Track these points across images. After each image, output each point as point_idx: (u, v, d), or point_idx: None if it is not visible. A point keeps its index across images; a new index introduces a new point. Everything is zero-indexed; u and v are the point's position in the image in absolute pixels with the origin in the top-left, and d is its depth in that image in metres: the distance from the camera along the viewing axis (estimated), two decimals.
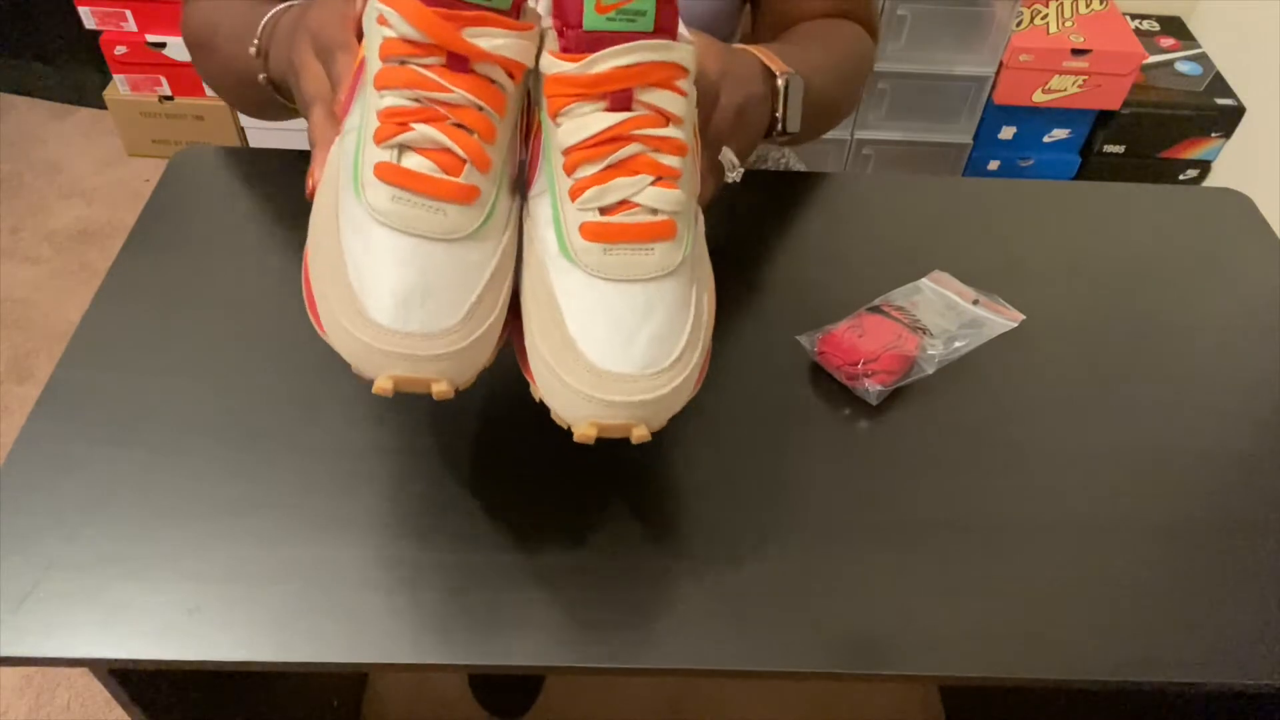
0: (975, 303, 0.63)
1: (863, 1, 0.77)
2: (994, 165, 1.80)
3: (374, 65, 0.42)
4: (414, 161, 0.41)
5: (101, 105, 1.90)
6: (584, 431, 0.41)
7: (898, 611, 0.48)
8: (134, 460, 0.53)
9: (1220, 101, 1.72)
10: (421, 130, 0.41)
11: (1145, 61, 1.68)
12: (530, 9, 0.44)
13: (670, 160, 0.43)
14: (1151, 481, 0.55)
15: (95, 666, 0.51)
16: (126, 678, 0.56)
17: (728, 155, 0.54)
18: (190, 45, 0.70)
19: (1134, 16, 1.87)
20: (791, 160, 0.91)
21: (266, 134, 1.83)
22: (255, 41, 0.59)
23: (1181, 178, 1.82)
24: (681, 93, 0.43)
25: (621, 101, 0.42)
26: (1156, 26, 1.87)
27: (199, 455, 0.53)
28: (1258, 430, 0.59)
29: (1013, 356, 0.62)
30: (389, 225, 0.41)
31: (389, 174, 0.41)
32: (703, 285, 0.46)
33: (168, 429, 0.54)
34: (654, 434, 0.42)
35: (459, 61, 0.41)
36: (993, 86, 1.69)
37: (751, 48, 0.61)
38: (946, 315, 0.62)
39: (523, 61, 0.42)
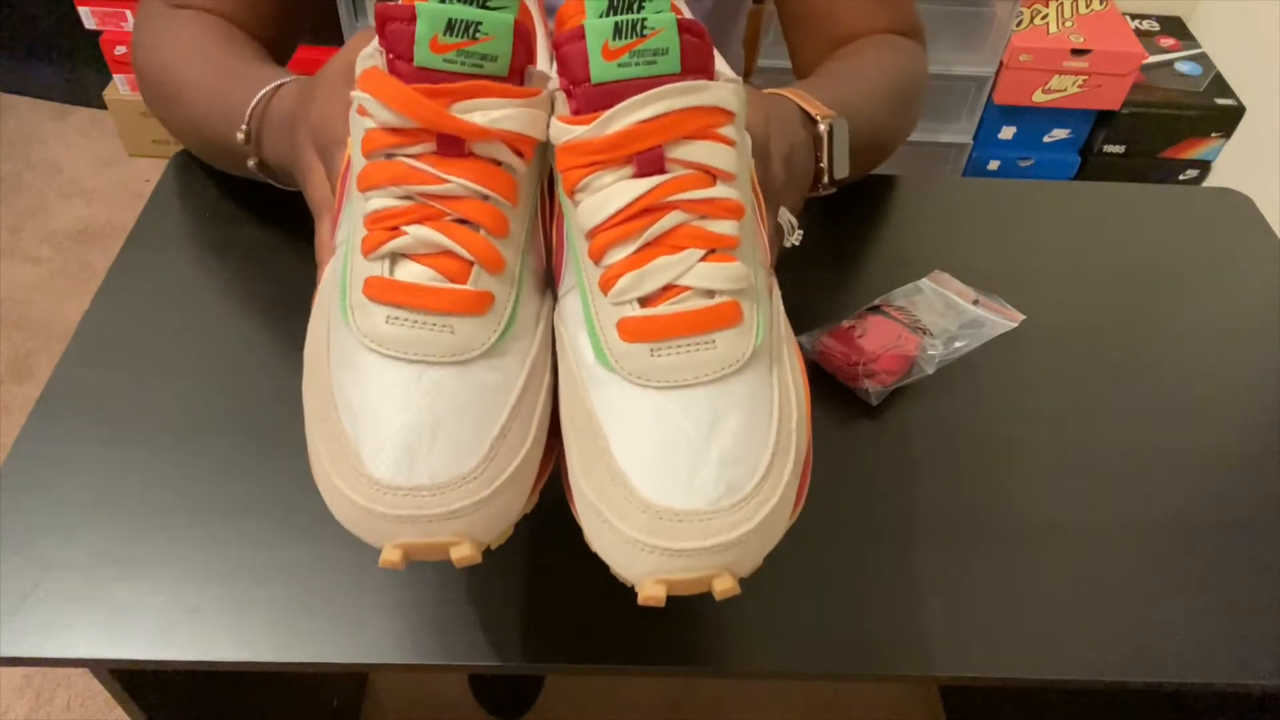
0: (975, 303, 0.63)
1: (907, 9, 0.70)
2: (994, 165, 1.80)
3: (358, 164, 0.36)
4: (410, 271, 0.34)
5: (101, 105, 1.90)
6: (650, 593, 0.32)
7: (898, 611, 0.48)
8: (134, 460, 0.53)
9: (1220, 101, 1.72)
10: (415, 232, 0.34)
11: (1145, 61, 1.68)
12: (537, 72, 0.37)
13: (723, 226, 0.35)
14: (1151, 481, 0.55)
15: (95, 667, 0.51)
16: (126, 678, 0.56)
17: (785, 215, 0.45)
18: (145, 87, 0.63)
19: (1134, 16, 1.87)
20: None
21: None
22: (244, 126, 0.54)
23: (1181, 178, 1.82)
24: (728, 141, 0.35)
25: (652, 164, 0.34)
26: (1156, 26, 1.87)
27: (199, 455, 0.53)
28: (1258, 430, 0.59)
29: (1013, 356, 0.62)
30: (385, 352, 0.34)
31: (380, 290, 0.34)
32: (790, 381, 0.37)
33: (168, 429, 0.54)
34: (745, 581, 0.34)
35: (453, 145, 0.34)
36: (993, 86, 1.69)
37: (785, 91, 0.55)
38: (946, 315, 0.62)
39: (531, 135, 0.35)
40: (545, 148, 0.37)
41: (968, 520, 0.53)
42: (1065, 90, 1.68)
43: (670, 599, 0.33)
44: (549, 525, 0.51)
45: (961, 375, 0.60)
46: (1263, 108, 1.69)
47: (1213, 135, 1.74)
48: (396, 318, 0.34)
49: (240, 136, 0.54)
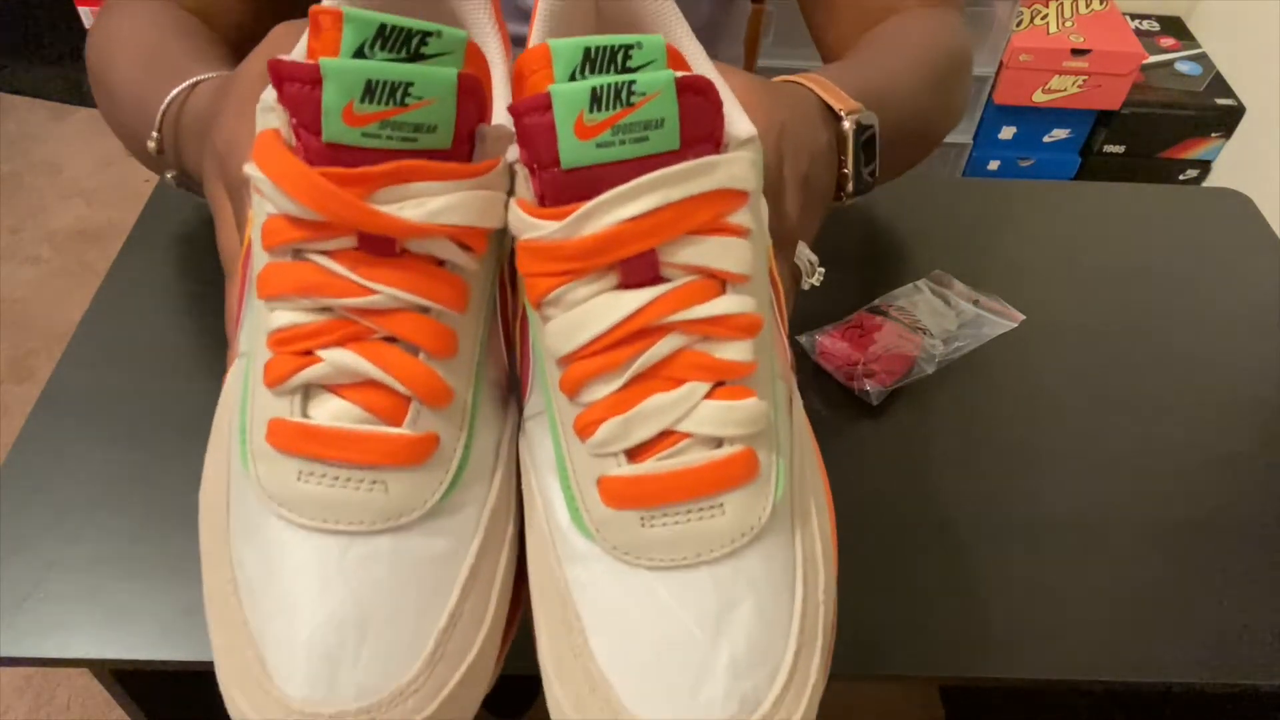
0: (975, 303, 0.63)
1: None
2: (994, 165, 1.80)
3: (258, 259, 0.27)
4: (327, 410, 0.26)
5: None
6: None
7: (898, 611, 0.48)
8: (134, 460, 0.52)
9: (1220, 101, 1.72)
10: (333, 358, 0.26)
11: (1145, 61, 1.68)
12: (490, 130, 0.28)
13: (734, 350, 0.27)
14: (1152, 481, 0.55)
15: (95, 667, 0.51)
16: (127, 678, 0.56)
17: (804, 254, 0.38)
18: (90, 77, 0.56)
19: (1134, 16, 1.87)
20: None
21: None
22: (154, 134, 0.45)
23: (1181, 178, 1.82)
24: (742, 231, 0.27)
25: (643, 272, 0.26)
26: (1156, 26, 1.87)
27: (199, 456, 0.53)
28: (1258, 430, 0.59)
29: (1013, 356, 0.61)
30: (297, 520, 0.26)
31: (289, 437, 0.26)
32: (814, 521, 0.29)
33: (168, 429, 0.54)
34: None
35: (380, 243, 0.26)
36: (993, 86, 1.69)
37: (805, 79, 0.44)
38: (946, 315, 0.62)
39: (484, 225, 0.27)
40: (503, 232, 0.29)
41: (968, 520, 0.53)
42: (1065, 90, 1.68)
43: None
44: None
45: (961, 375, 0.60)
46: (1263, 108, 1.69)
47: (1213, 135, 1.74)
48: (311, 473, 0.26)
49: (152, 145, 0.44)
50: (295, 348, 0.26)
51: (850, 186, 0.44)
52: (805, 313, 0.62)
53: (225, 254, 0.35)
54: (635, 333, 0.26)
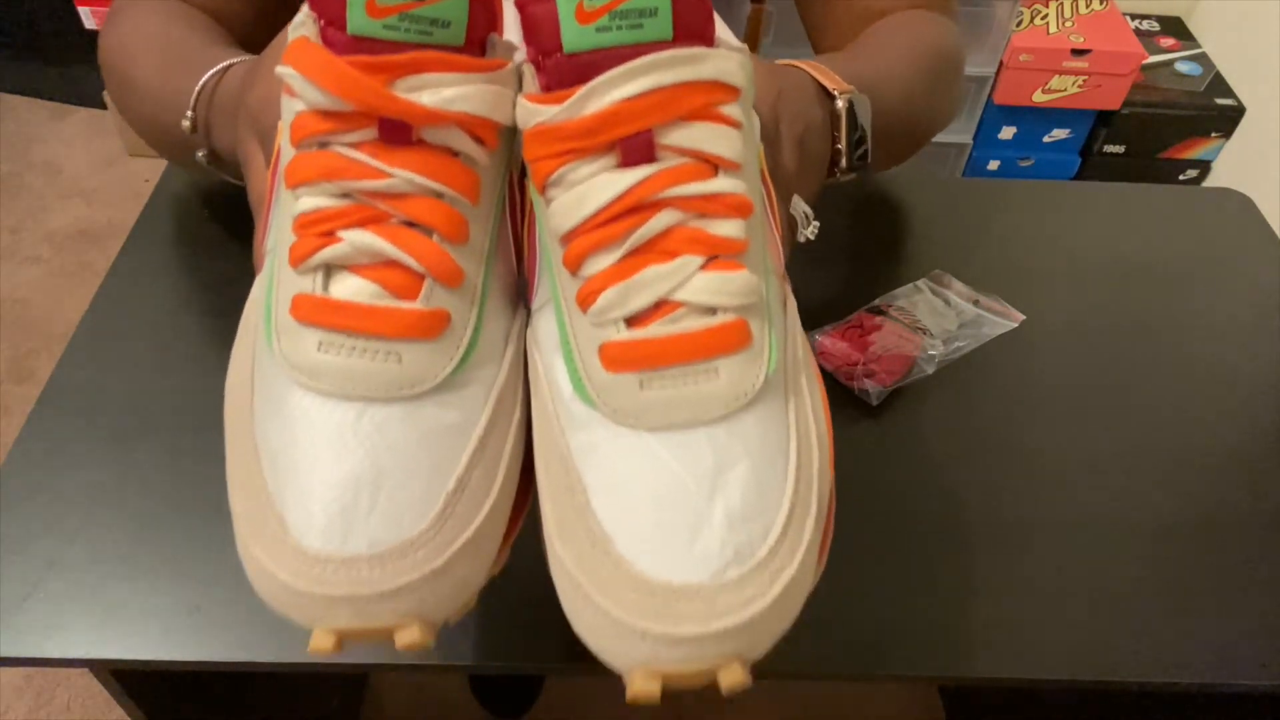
0: (975, 303, 0.63)
1: None
2: (994, 165, 1.80)
3: (286, 154, 0.30)
4: (347, 287, 0.28)
5: (101, 105, 1.90)
6: (641, 688, 0.27)
7: (897, 611, 0.48)
8: (134, 460, 0.52)
9: (1220, 101, 1.72)
10: (353, 238, 0.28)
11: (1145, 61, 1.68)
12: (502, 42, 0.31)
13: (727, 227, 0.29)
14: (1151, 481, 0.55)
15: (95, 667, 0.51)
16: (126, 678, 0.56)
17: (799, 205, 0.40)
18: (106, 79, 0.59)
19: (1134, 16, 1.87)
20: None
21: None
22: (189, 113, 0.48)
23: (1181, 178, 1.82)
24: (732, 122, 0.29)
25: (639, 151, 0.28)
26: (1156, 26, 1.87)
27: (199, 455, 0.53)
28: (1258, 430, 0.59)
29: (1013, 357, 0.62)
30: (316, 388, 0.28)
31: (311, 310, 0.28)
32: (806, 401, 0.31)
33: (168, 429, 0.54)
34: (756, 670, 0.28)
35: (398, 131, 0.28)
36: (993, 86, 1.69)
37: (800, 63, 0.47)
38: (947, 315, 0.62)
39: (494, 118, 0.29)
40: (513, 133, 0.31)
41: (968, 520, 0.53)
42: (1065, 90, 1.68)
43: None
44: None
45: (962, 375, 0.60)
46: (1263, 108, 1.69)
47: (1213, 135, 1.74)
48: (330, 344, 0.28)
49: (186, 125, 0.48)
50: (318, 229, 0.28)
51: (844, 162, 0.46)
52: (805, 313, 0.62)
53: (255, 198, 0.38)
54: (632, 207, 0.28)
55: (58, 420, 0.54)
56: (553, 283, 0.30)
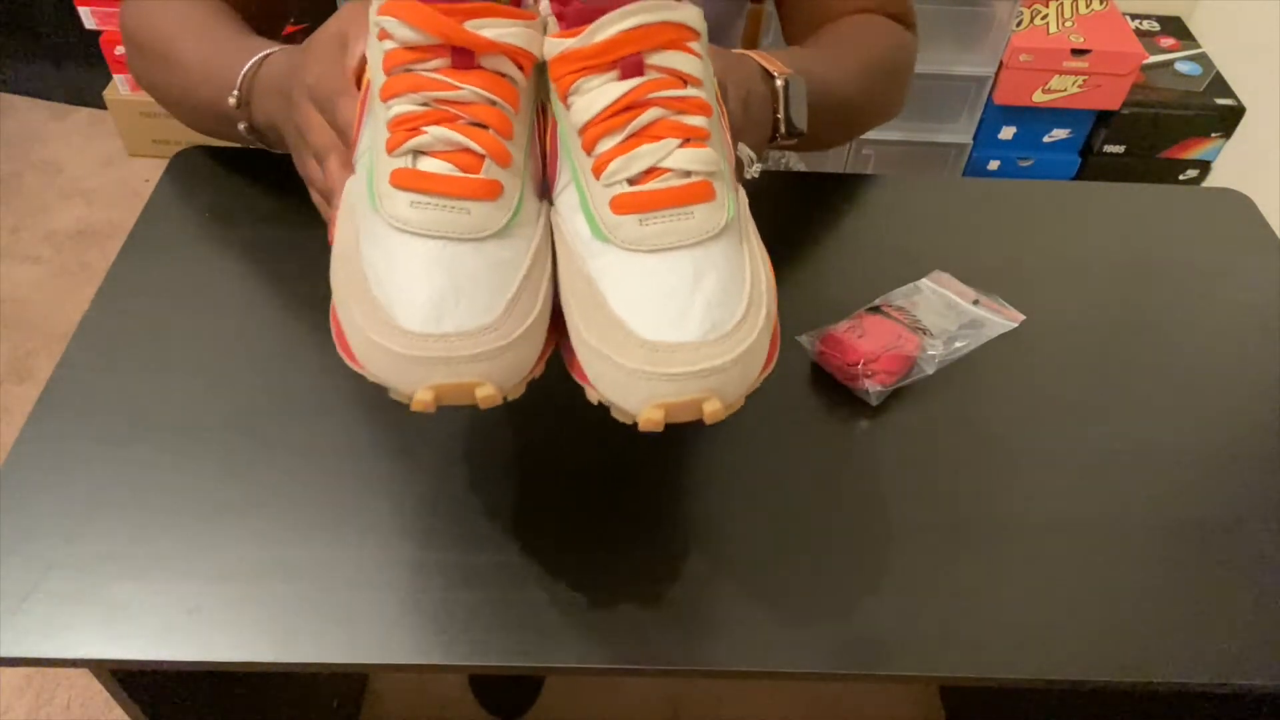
0: (975, 303, 0.63)
1: None
2: (994, 165, 1.80)
3: (379, 79, 0.40)
4: (431, 164, 0.39)
5: (101, 105, 1.90)
6: (649, 416, 0.37)
7: (898, 611, 0.48)
8: (134, 460, 0.53)
9: (1220, 101, 1.72)
10: (435, 132, 0.39)
11: (1145, 61, 1.68)
12: (530, 2, 0.42)
13: (695, 120, 0.40)
14: (1151, 481, 0.55)
15: (95, 667, 0.51)
16: (126, 678, 0.56)
17: (744, 150, 0.51)
18: (135, 56, 0.67)
19: (1134, 16, 1.87)
20: (791, 160, 0.91)
21: None
22: (235, 92, 0.58)
23: (1181, 178, 1.82)
24: (696, 54, 0.41)
25: (633, 68, 0.40)
26: (1156, 26, 1.87)
27: (199, 455, 0.53)
28: (1257, 430, 0.59)
29: (1013, 357, 0.62)
30: (411, 230, 0.38)
31: (406, 179, 0.39)
32: (757, 252, 0.42)
33: (168, 429, 0.54)
34: (728, 414, 0.38)
35: (465, 58, 0.39)
36: (993, 86, 1.69)
37: (749, 52, 0.59)
38: (947, 315, 0.62)
39: (530, 50, 0.40)
40: (540, 70, 0.42)
41: (968, 521, 0.53)
42: (1065, 90, 1.68)
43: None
44: (549, 525, 0.51)
45: (962, 375, 0.60)
46: (1263, 108, 1.69)
47: (1213, 135, 1.74)
48: (420, 202, 0.38)
49: (232, 101, 0.58)
50: (407, 126, 0.39)
51: (783, 129, 0.58)
52: (805, 313, 0.63)
53: (320, 145, 0.48)
54: (629, 105, 0.40)
55: (58, 420, 0.54)
56: (572, 167, 0.41)
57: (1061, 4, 1.74)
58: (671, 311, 0.38)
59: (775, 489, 0.53)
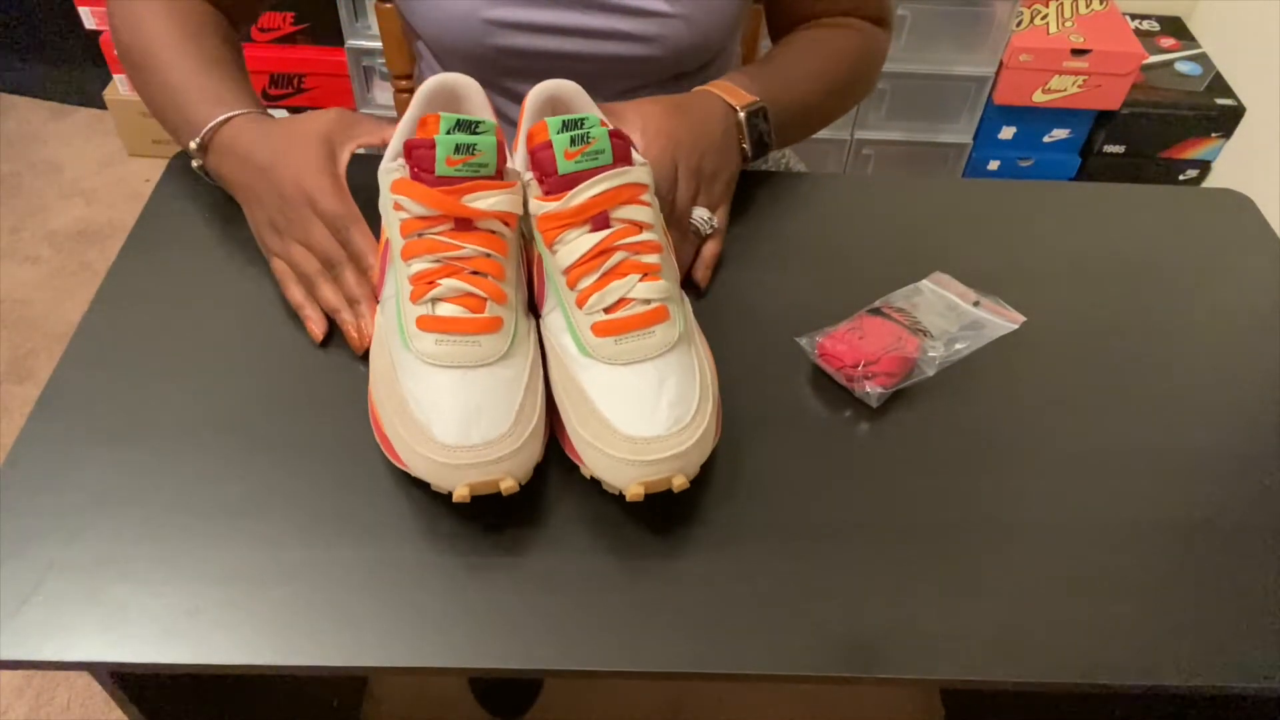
0: (976, 304, 0.63)
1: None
2: (994, 165, 1.80)
3: (398, 242, 0.51)
4: (446, 309, 0.50)
5: (101, 105, 1.90)
6: (634, 492, 0.47)
7: (898, 613, 0.48)
8: (134, 460, 0.53)
9: (1220, 101, 1.72)
10: (446, 283, 0.50)
11: (1145, 61, 1.68)
12: (510, 169, 0.53)
13: (650, 259, 0.52)
14: (1151, 481, 0.55)
15: (95, 669, 0.51)
16: (127, 679, 0.56)
17: (698, 214, 0.64)
18: (119, 47, 0.68)
19: (1134, 16, 1.87)
20: (791, 160, 0.91)
21: None
22: (197, 139, 0.62)
23: (1181, 178, 1.82)
24: (646, 204, 0.53)
25: (601, 222, 0.51)
26: (1156, 26, 1.87)
27: (199, 456, 0.53)
28: (1257, 430, 0.59)
29: (1014, 358, 0.62)
30: (438, 364, 0.49)
31: (428, 324, 0.49)
32: (702, 354, 0.53)
33: (168, 429, 0.54)
34: (691, 482, 0.49)
35: (465, 223, 0.50)
36: (993, 86, 1.69)
37: (713, 86, 0.68)
38: (947, 317, 0.62)
39: (514, 211, 0.51)
40: (524, 218, 0.54)
41: (968, 521, 0.53)
42: (1065, 90, 1.68)
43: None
44: (549, 526, 0.51)
45: (962, 377, 0.60)
46: (1263, 108, 1.69)
47: (1213, 135, 1.74)
48: (442, 340, 0.49)
49: (193, 146, 0.63)
50: (425, 280, 0.50)
51: (750, 153, 0.68)
52: (805, 313, 0.62)
53: (330, 257, 0.58)
54: (600, 252, 0.51)
55: (58, 420, 0.54)
56: (558, 296, 0.53)
57: (1061, 4, 1.74)
58: (645, 412, 0.49)
59: (775, 490, 0.53)
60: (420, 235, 0.50)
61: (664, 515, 0.52)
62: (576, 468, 0.51)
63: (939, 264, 0.66)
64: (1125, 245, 0.71)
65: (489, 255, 0.51)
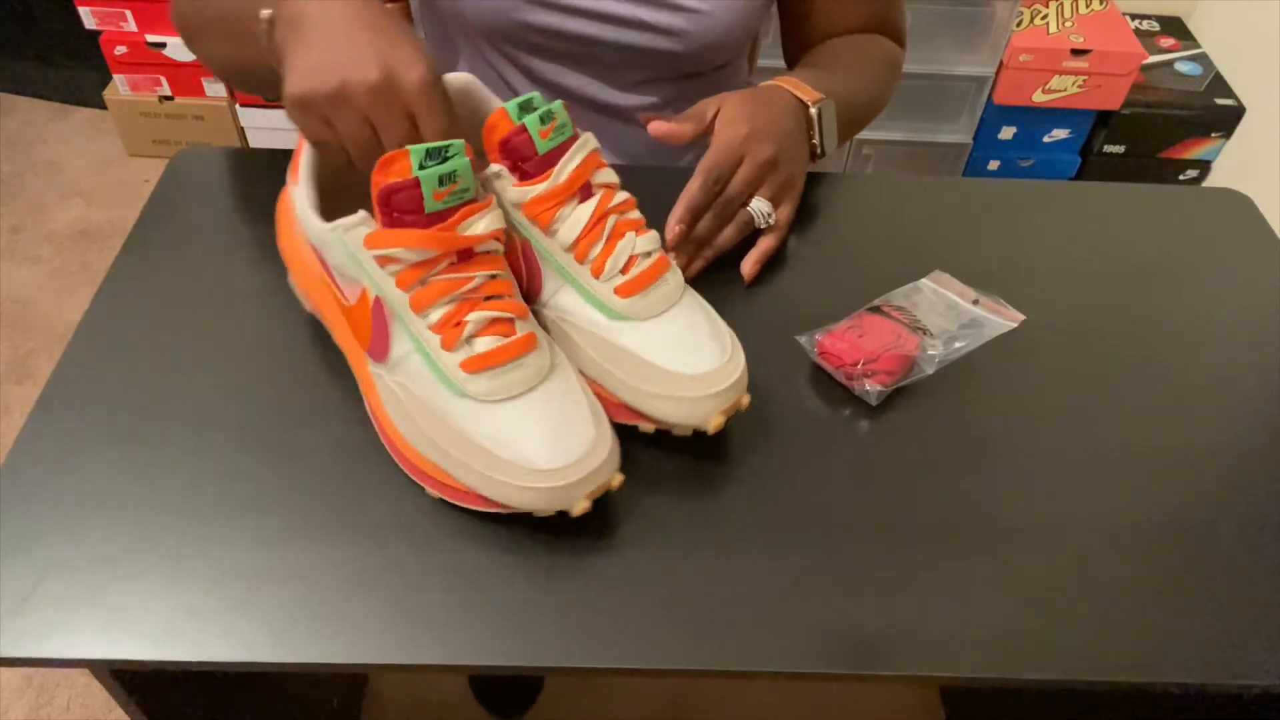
0: (975, 303, 0.63)
1: (893, 15, 0.81)
2: (994, 165, 1.80)
3: (397, 297, 0.49)
4: (484, 344, 0.48)
5: (101, 105, 1.90)
6: (716, 423, 0.51)
7: (897, 612, 0.48)
8: (134, 460, 0.53)
9: (1220, 101, 1.72)
10: (474, 318, 0.48)
11: (1145, 61, 1.68)
12: (480, 175, 0.52)
13: (634, 215, 0.54)
14: (1151, 481, 0.55)
15: (95, 667, 0.51)
16: (127, 678, 0.56)
17: (757, 205, 0.65)
18: (183, 28, 0.65)
19: (1134, 16, 1.87)
20: None
21: (266, 134, 1.83)
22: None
23: (1181, 178, 1.82)
24: (607, 165, 0.54)
25: (585, 190, 0.52)
26: (1156, 26, 1.87)
27: (199, 456, 0.53)
28: (1257, 430, 0.59)
29: (1013, 357, 0.62)
30: (502, 399, 0.48)
31: (475, 364, 0.48)
32: (700, 297, 0.56)
33: (167, 429, 0.54)
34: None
35: (465, 253, 0.49)
36: (993, 86, 1.69)
37: (781, 81, 0.69)
38: (946, 315, 0.62)
39: (502, 225, 0.50)
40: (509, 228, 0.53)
41: (968, 520, 0.53)
42: (1065, 90, 1.68)
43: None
44: (549, 525, 0.51)
45: (961, 375, 0.60)
46: (1263, 108, 1.69)
47: (1213, 135, 1.74)
48: (495, 374, 0.48)
49: (266, 14, 0.54)
50: (453, 323, 0.49)
51: (820, 150, 0.70)
52: (805, 313, 0.63)
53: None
54: (598, 219, 0.52)
55: (58, 420, 0.54)
56: (564, 274, 0.53)
57: (1061, 4, 1.74)
58: (699, 350, 0.51)
59: (775, 489, 0.53)
60: (424, 282, 0.48)
61: (663, 514, 0.52)
62: None
63: (938, 263, 0.66)
64: (1125, 245, 0.71)
65: (495, 275, 0.50)
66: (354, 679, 1.14)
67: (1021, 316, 0.63)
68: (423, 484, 0.51)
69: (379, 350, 0.51)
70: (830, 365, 0.59)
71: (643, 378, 0.51)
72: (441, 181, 0.47)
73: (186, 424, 0.54)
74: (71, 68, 1.94)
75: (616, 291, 0.52)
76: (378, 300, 0.50)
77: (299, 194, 0.53)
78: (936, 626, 0.48)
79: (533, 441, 0.47)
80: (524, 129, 0.50)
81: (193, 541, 0.49)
